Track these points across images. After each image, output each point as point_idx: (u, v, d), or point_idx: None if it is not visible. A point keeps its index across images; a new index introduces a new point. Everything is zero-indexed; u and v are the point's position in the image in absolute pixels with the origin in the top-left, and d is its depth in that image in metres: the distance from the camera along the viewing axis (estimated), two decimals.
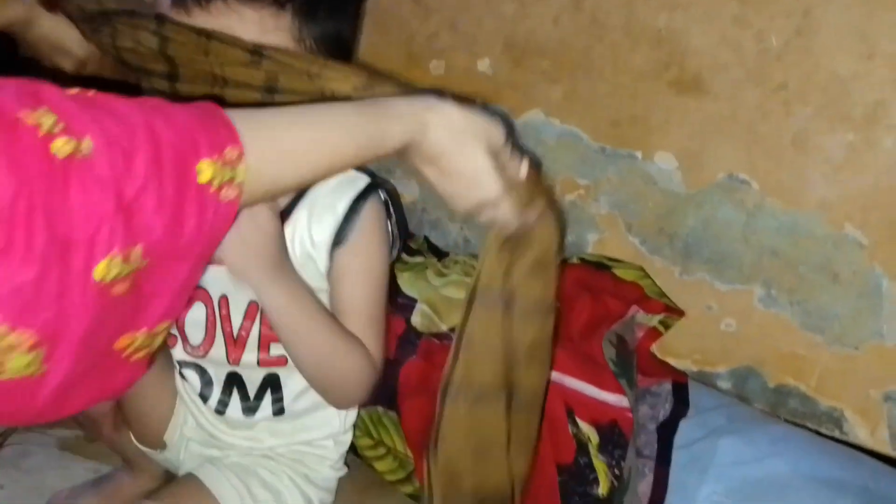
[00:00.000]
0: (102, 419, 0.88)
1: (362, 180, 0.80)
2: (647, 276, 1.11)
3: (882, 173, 1.01)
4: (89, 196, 0.40)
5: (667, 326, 1.08)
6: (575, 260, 1.12)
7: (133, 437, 0.90)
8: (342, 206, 0.78)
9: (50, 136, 0.39)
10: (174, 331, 0.84)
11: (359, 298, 0.79)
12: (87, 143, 0.40)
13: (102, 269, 0.41)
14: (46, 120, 0.39)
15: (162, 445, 0.89)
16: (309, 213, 0.78)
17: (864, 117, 1.01)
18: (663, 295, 1.10)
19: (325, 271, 0.79)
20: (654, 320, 1.07)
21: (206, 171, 0.45)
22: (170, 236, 0.44)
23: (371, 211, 0.79)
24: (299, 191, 0.79)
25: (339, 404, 0.84)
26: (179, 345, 0.85)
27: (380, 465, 1.06)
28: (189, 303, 0.82)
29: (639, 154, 1.20)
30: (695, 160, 1.15)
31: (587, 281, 1.05)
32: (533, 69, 1.31)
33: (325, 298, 0.79)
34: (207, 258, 0.49)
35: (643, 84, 1.19)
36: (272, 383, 0.85)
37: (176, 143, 0.44)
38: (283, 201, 0.78)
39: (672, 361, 1.15)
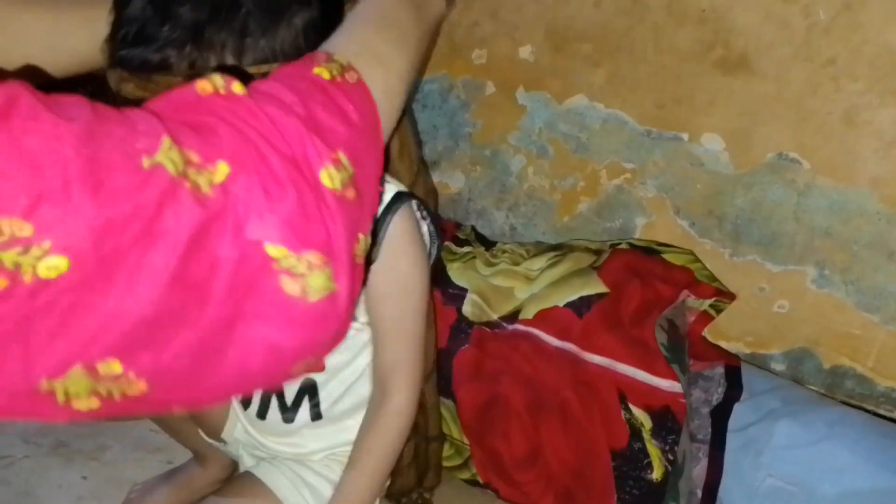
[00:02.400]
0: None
1: (389, 192, 0.79)
2: (698, 259, 1.11)
3: None
4: (287, 120, 0.45)
5: (718, 310, 1.08)
6: (624, 245, 1.12)
7: (200, 430, 0.95)
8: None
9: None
10: None
11: (398, 320, 0.80)
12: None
13: (326, 180, 0.45)
14: None
15: (222, 441, 0.93)
16: None
17: None
18: (714, 279, 1.09)
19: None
20: (705, 304, 1.06)
21: (323, 73, 0.51)
22: (350, 129, 0.49)
23: (400, 224, 0.78)
24: None
25: None
26: None
27: None
28: None
29: (685, 136, 1.19)
30: (743, 140, 1.14)
31: (637, 266, 1.05)
32: (575, 54, 1.31)
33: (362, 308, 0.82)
34: (382, 142, 0.53)
35: (687, 65, 1.18)
36: (309, 389, 0.87)
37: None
38: None
39: (724, 345, 1.15)
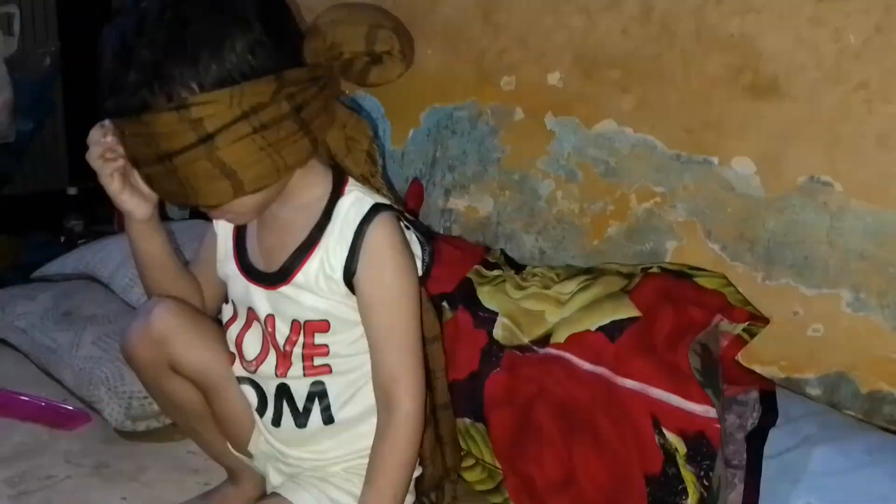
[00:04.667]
0: (201, 421, 0.96)
1: (365, 203, 0.84)
2: (730, 283, 1.10)
3: None
4: None
5: (752, 334, 1.07)
6: (655, 269, 1.12)
7: (230, 445, 0.97)
8: (349, 235, 0.83)
9: None
10: (232, 348, 0.92)
11: (390, 330, 0.84)
12: None
13: None
14: None
15: (248, 454, 0.96)
16: (329, 242, 0.84)
17: None
18: (747, 303, 1.09)
19: (345, 295, 0.84)
20: (739, 328, 1.06)
21: None
22: None
23: (379, 233, 0.83)
24: (324, 218, 0.84)
25: None
26: (237, 362, 0.92)
27: (469, 476, 1.09)
28: (247, 322, 0.90)
29: (715, 160, 1.19)
30: (774, 164, 1.14)
31: (669, 290, 1.05)
32: (603, 80, 1.32)
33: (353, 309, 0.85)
34: None
35: (717, 90, 1.19)
36: (318, 393, 0.89)
37: None
38: (308, 225, 0.84)
39: (758, 369, 1.14)
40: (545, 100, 1.39)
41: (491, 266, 1.24)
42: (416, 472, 0.96)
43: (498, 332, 1.12)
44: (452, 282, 1.17)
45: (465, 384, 1.08)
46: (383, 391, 0.85)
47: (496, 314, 1.13)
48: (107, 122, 0.80)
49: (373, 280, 0.83)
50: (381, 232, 0.83)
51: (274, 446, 0.93)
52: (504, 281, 1.19)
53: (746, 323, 1.06)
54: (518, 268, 1.26)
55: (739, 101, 1.16)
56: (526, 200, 1.44)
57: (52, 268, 1.60)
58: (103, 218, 1.98)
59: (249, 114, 0.72)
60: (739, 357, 1.10)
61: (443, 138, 1.55)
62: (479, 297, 1.16)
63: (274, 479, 0.95)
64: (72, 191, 1.99)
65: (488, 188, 1.50)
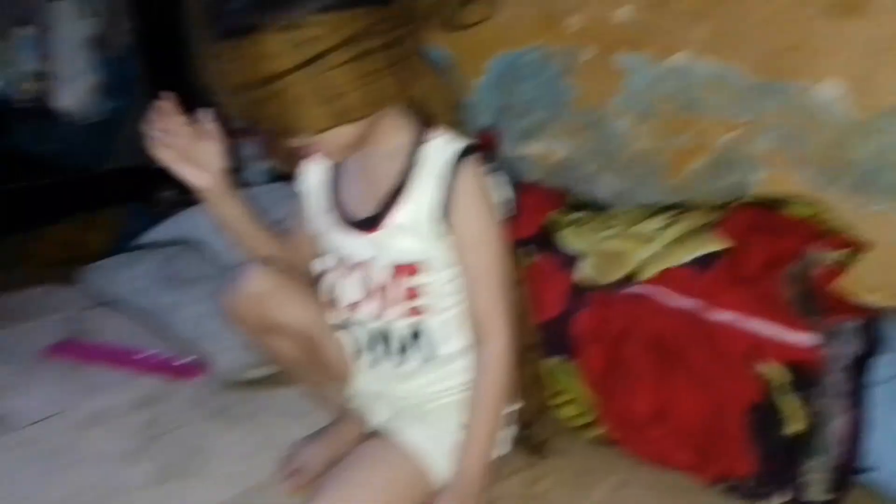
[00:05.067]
0: (306, 370, 1.03)
1: (457, 144, 0.87)
2: (825, 210, 1.07)
3: None
4: None
5: (850, 262, 1.04)
6: (744, 200, 1.11)
7: (332, 388, 1.04)
8: (442, 176, 0.86)
9: None
10: (330, 296, 0.97)
11: (482, 269, 0.89)
12: None
13: None
14: None
15: (350, 395, 1.03)
16: (421, 184, 0.87)
17: None
18: (843, 229, 1.06)
19: (436, 236, 0.88)
20: (836, 256, 1.03)
21: None
22: None
23: (471, 176, 0.87)
24: (412, 162, 0.88)
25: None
26: (335, 309, 0.97)
27: (565, 412, 1.12)
28: (344, 270, 0.94)
29: (800, 85, 1.16)
30: (863, 85, 1.09)
31: (759, 221, 1.04)
32: (675, 10, 1.28)
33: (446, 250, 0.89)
34: None
35: (797, 10, 1.14)
36: (416, 333, 0.94)
37: None
38: (397, 170, 0.88)
39: (860, 298, 1.11)
40: (614, 36, 1.37)
41: (571, 208, 1.24)
42: (517, 405, 1.01)
43: (583, 274, 1.13)
44: (533, 227, 1.19)
45: (552, 325, 1.09)
46: (477, 328, 0.90)
47: (580, 256, 1.14)
48: (162, 102, 0.90)
49: (467, 220, 0.87)
50: (473, 173, 0.87)
51: (373, 387, 0.99)
52: (586, 222, 1.19)
53: (843, 250, 1.03)
54: (599, 208, 1.26)
55: (822, 21, 1.12)
56: (601, 141, 1.43)
57: (152, 235, 1.70)
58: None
59: (349, 41, 0.76)
60: (839, 286, 1.08)
61: (511, 85, 1.54)
62: (562, 239, 1.17)
63: (376, 417, 1.01)
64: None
65: (562, 131, 1.49)
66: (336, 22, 0.76)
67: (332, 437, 1.06)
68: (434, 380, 0.96)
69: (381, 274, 0.92)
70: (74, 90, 2.05)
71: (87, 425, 1.15)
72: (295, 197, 1.02)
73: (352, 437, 1.04)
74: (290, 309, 0.96)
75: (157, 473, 1.04)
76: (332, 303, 0.97)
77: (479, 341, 0.90)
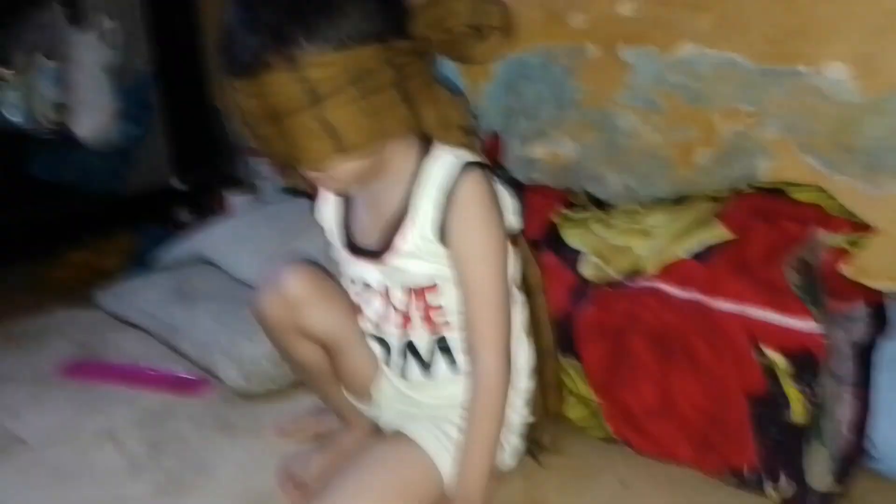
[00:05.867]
0: (322, 376, 1.01)
1: (455, 161, 0.85)
2: (827, 194, 1.04)
3: None
4: None
5: (857, 246, 1.00)
6: (746, 189, 1.08)
7: (344, 390, 1.02)
8: (439, 194, 0.85)
9: None
10: (362, 306, 0.96)
11: (478, 285, 0.86)
12: None
13: None
14: None
15: (369, 397, 1.00)
16: (422, 205, 0.86)
17: None
18: (847, 212, 1.02)
19: (444, 255, 0.87)
20: (841, 240, 0.99)
21: None
22: None
23: (467, 188, 0.84)
24: (415, 184, 0.86)
25: None
26: (363, 319, 0.97)
27: (571, 413, 1.10)
28: (365, 293, 0.95)
29: (805, 69, 1.12)
30: (869, 65, 1.06)
31: (762, 208, 1.01)
32: (677, 2, 1.26)
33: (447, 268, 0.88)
34: None
35: None
36: (443, 347, 0.93)
37: None
38: (402, 194, 0.86)
39: (868, 284, 1.07)
40: (618, 31, 1.35)
41: (575, 207, 1.22)
42: (528, 420, 0.99)
43: (586, 271, 1.11)
44: (538, 227, 1.17)
45: (557, 324, 1.08)
46: (469, 345, 0.89)
47: (583, 253, 1.12)
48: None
49: (459, 233, 0.85)
50: (469, 186, 0.85)
51: (399, 389, 0.98)
52: (589, 220, 1.17)
53: (848, 233, 0.99)
54: (603, 206, 1.24)
55: (827, 2, 1.08)
56: (608, 138, 1.41)
57: (167, 256, 1.72)
58: (209, 209, 2.10)
59: (357, 78, 0.76)
60: (846, 272, 1.04)
61: (517, 86, 1.53)
62: (565, 238, 1.15)
63: (391, 420, 1.00)
64: (178, 185, 2.13)
65: (568, 131, 1.47)
66: (344, 60, 0.75)
67: (334, 447, 1.05)
68: (456, 392, 0.93)
69: (398, 297, 0.91)
70: (93, 118, 2.10)
71: (95, 442, 1.16)
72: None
73: (354, 447, 1.03)
74: (322, 315, 0.94)
75: (160, 487, 1.04)
76: (361, 312, 0.97)
77: (473, 358, 0.89)
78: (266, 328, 0.98)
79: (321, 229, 1.00)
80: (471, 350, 0.88)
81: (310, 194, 1.23)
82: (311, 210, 1.01)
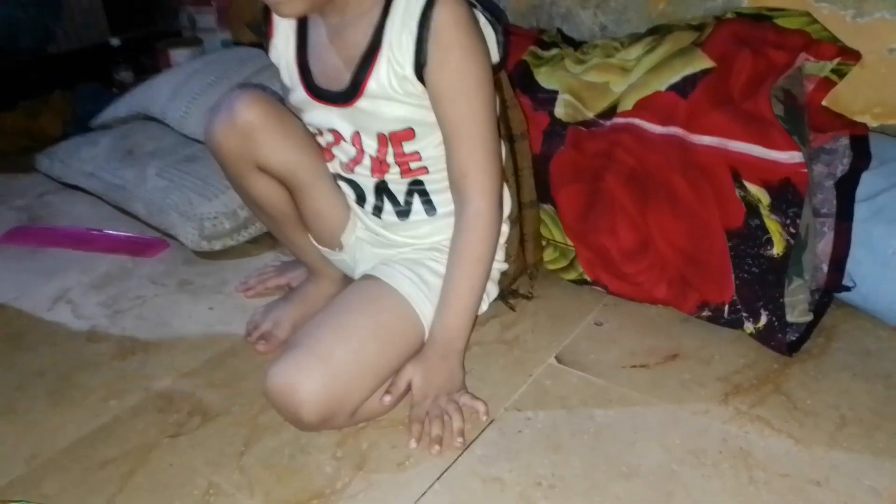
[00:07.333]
0: (285, 219, 0.95)
1: None
2: (814, 20, 0.98)
3: None
4: None
5: (841, 75, 0.96)
6: (730, 15, 1.01)
7: (312, 239, 0.97)
8: (413, 24, 0.76)
9: None
10: (329, 148, 0.89)
11: (457, 120, 0.79)
12: None
13: None
14: None
15: (339, 245, 0.95)
16: (392, 39, 0.77)
17: None
18: (835, 39, 0.96)
19: (421, 93, 0.78)
20: (826, 69, 0.95)
21: None
22: None
23: (444, 15, 0.75)
24: (382, 17, 0.77)
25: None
26: (333, 161, 0.89)
27: (543, 256, 1.08)
28: (334, 142, 0.87)
29: None
30: None
31: (745, 35, 0.95)
32: None
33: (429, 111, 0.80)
34: None
35: None
36: (418, 190, 0.88)
37: None
38: (368, 30, 0.78)
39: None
40: None
41: (547, 46, 1.15)
42: (503, 268, 0.95)
43: (559, 111, 1.05)
44: (508, 68, 1.10)
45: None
46: (455, 187, 0.83)
47: (556, 92, 1.06)
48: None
49: (440, 66, 0.76)
50: (447, 13, 0.75)
51: (373, 230, 0.93)
52: (563, 58, 1.10)
53: (835, 60, 0.94)
54: (577, 45, 1.16)
55: None
56: None
57: (107, 114, 1.60)
58: (150, 67, 1.95)
59: None
60: (828, 106, 1.00)
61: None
62: (537, 78, 1.09)
63: (364, 263, 0.95)
64: (115, 42, 1.96)
65: None
66: None
67: (302, 298, 1.01)
68: (435, 229, 0.90)
69: (370, 144, 0.84)
70: None
71: (49, 307, 1.11)
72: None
73: (323, 299, 0.99)
74: (278, 144, 0.86)
75: (124, 347, 1.01)
76: (332, 153, 0.89)
77: (459, 200, 0.83)
78: (221, 162, 0.89)
79: (276, 72, 0.90)
80: (458, 193, 0.83)
81: (258, 44, 1.12)
82: (266, 53, 0.90)
